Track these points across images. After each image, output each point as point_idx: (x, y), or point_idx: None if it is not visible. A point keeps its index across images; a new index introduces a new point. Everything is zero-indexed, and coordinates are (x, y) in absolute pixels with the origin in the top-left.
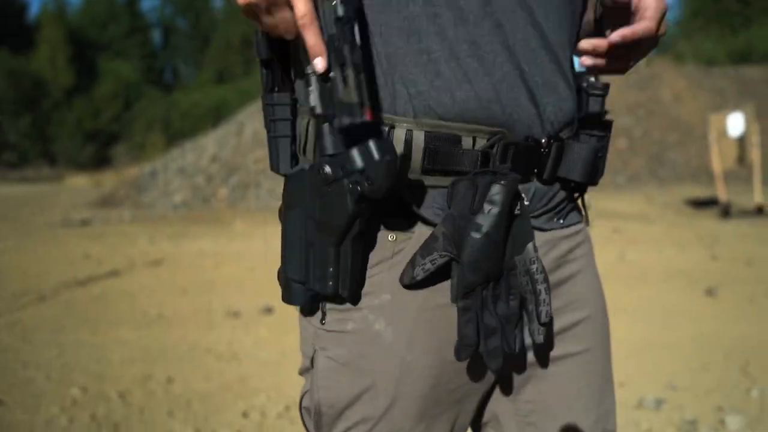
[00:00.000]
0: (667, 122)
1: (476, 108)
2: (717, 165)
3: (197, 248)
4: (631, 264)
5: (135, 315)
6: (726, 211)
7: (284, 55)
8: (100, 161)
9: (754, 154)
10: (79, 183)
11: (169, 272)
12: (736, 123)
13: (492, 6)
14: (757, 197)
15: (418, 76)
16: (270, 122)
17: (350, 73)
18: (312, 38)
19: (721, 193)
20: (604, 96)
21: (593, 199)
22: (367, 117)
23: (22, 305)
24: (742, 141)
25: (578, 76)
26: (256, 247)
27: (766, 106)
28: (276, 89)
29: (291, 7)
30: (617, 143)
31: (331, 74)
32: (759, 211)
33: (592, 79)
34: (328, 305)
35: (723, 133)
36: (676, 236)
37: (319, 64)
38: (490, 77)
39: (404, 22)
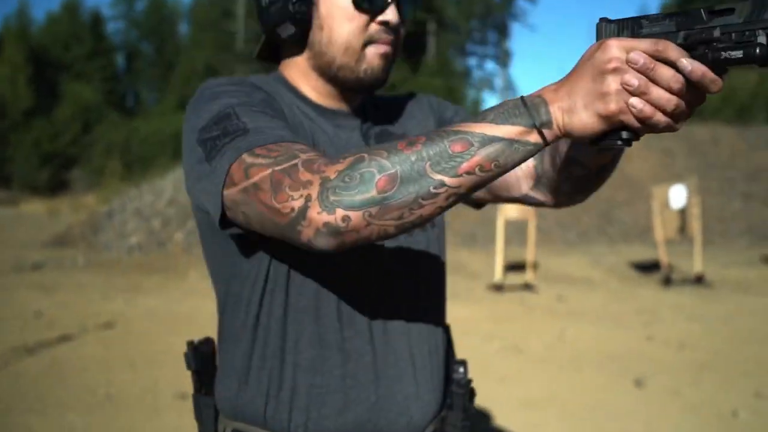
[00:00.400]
0: (616, 181)
1: (353, 429)
2: (659, 235)
3: (149, 307)
4: (568, 345)
5: (83, 394)
6: (667, 280)
7: (211, 364)
8: (57, 185)
9: (695, 226)
10: (35, 209)
11: (119, 338)
12: (678, 195)
13: (373, 342)
14: (697, 267)
15: (310, 406)
16: (198, 417)
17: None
18: (675, 51)
19: (664, 262)
20: (465, 393)
21: (542, 258)
22: None
23: None
24: (683, 212)
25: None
26: (207, 308)
27: (712, 166)
28: (203, 392)
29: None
30: None
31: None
32: (698, 280)
33: (461, 370)
34: None
35: (665, 204)
36: (615, 310)
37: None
38: (367, 402)
39: (296, 368)
